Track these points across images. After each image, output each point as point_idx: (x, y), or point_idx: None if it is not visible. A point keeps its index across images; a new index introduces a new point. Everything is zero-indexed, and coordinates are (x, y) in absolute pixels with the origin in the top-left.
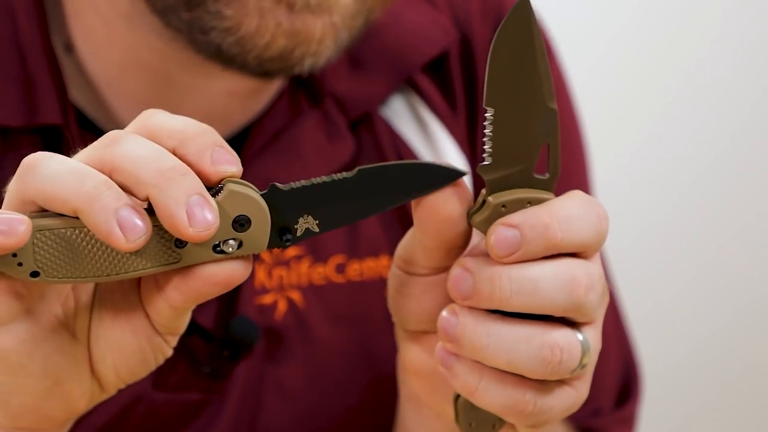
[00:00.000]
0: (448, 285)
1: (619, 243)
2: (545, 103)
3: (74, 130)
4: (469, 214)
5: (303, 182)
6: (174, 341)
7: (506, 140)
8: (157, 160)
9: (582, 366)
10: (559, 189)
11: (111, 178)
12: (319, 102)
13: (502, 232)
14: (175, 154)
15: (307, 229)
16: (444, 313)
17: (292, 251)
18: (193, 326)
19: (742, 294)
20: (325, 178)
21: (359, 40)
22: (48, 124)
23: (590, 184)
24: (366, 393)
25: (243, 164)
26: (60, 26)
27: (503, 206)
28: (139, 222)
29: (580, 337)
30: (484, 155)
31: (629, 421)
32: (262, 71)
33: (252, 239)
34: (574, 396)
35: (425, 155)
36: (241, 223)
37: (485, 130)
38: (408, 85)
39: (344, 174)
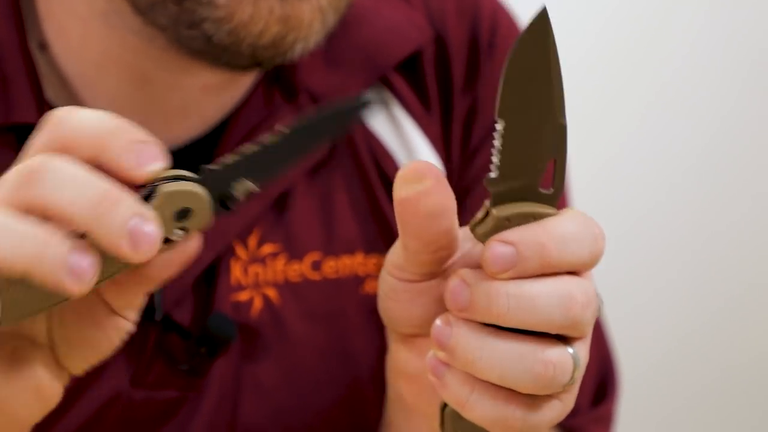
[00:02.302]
0: (445, 295)
1: None
2: (557, 118)
3: None
4: (472, 226)
5: (231, 156)
6: (134, 315)
7: (515, 154)
8: (83, 194)
9: (572, 381)
10: None
11: (45, 216)
12: (294, 97)
13: (498, 249)
14: (96, 163)
15: (247, 191)
16: (438, 322)
17: (268, 248)
18: (171, 324)
19: (722, 293)
20: (252, 147)
21: (334, 36)
22: (23, 122)
23: (568, 191)
24: (342, 390)
25: None
26: (34, 26)
27: (507, 220)
28: (86, 265)
29: (571, 351)
30: (491, 167)
31: (606, 420)
32: (254, 61)
33: (196, 222)
34: (560, 408)
35: (399, 154)
36: (183, 214)
37: (494, 142)
38: (382, 83)
39: (270, 137)
